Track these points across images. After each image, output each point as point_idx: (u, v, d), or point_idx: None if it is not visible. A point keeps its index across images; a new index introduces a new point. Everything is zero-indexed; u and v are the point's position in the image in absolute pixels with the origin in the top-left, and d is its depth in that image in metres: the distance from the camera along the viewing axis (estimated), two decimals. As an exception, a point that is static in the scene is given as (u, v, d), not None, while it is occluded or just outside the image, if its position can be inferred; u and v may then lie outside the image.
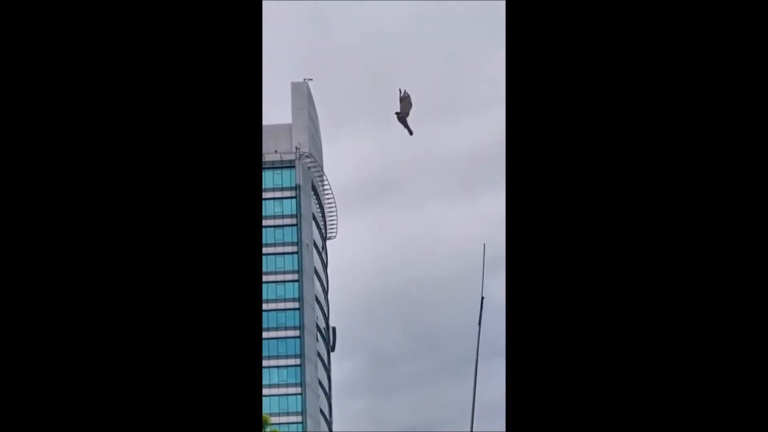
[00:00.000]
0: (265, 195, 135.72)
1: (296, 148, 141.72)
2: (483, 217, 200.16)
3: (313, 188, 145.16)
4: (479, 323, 28.55)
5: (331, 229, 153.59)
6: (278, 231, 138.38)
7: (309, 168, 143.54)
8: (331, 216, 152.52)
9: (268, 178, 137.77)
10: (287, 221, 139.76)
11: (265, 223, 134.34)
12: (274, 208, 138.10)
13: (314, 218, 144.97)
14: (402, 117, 25.17)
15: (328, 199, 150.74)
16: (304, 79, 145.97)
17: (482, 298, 28.88)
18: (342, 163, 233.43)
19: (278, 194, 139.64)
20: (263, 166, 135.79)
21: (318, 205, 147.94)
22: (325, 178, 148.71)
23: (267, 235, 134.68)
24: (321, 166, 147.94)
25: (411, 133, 25.34)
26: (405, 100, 25.01)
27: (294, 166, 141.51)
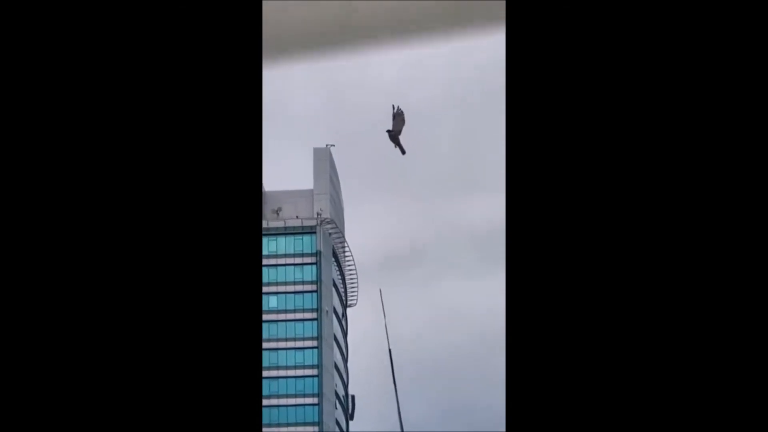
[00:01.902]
0: (285, 261, 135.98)
1: (317, 214, 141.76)
2: (503, 291, 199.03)
3: (334, 255, 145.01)
4: (393, 381, 28.56)
5: (352, 296, 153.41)
6: (298, 297, 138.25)
7: (330, 234, 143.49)
8: (351, 283, 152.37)
9: (289, 244, 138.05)
10: (307, 287, 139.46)
11: (285, 289, 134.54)
12: (294, 274, 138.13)
13: (335, 285, 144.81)
14: (394, 135, 25.00)
15: (349, 266, 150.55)
16: (327, 145, 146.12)
17: (389, 350, 28.87)
18: (363, 230, 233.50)
19: (299, 260, 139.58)
20: (285, 232, 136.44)
21: (338, 272, 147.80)
22: (346, 244, 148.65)
23: (287, 301, 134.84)
24: (342, 233, 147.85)
25: (404, 152, 25.22)
26: (398, 117, 24.80)
27: (315, 232, 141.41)
